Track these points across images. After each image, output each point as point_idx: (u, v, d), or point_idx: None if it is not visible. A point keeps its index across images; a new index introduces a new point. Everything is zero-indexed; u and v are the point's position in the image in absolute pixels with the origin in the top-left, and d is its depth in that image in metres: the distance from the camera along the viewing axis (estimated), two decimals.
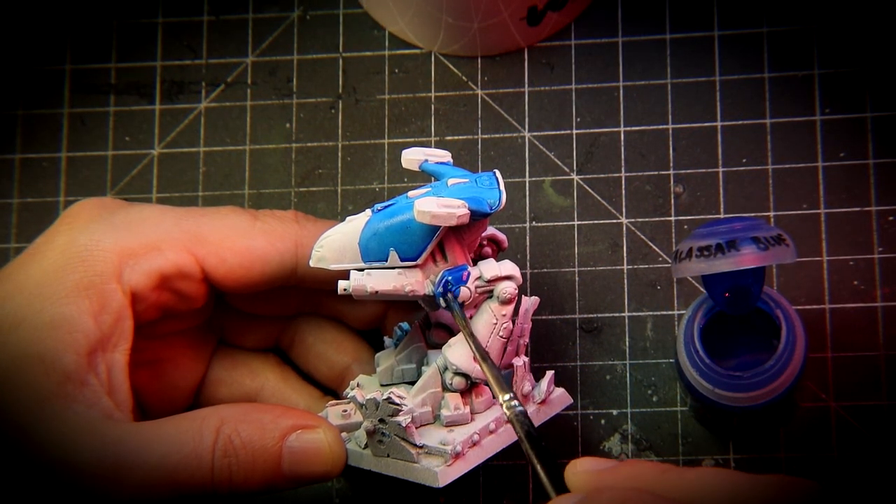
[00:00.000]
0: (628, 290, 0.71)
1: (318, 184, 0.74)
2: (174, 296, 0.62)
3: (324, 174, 0.74)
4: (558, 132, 0.74)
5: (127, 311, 0.60)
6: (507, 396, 0.57)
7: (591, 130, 0.73)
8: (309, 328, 0.68)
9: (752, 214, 0.71)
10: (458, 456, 0.60)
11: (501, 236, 0.64)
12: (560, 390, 0.64)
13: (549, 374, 0.63)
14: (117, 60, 0.77)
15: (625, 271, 0.71)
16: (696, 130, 0.73)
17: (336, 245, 0.60)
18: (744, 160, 0.72)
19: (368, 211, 0.61)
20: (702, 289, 0.69)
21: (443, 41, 0.74)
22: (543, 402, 0.63)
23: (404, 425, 0.59)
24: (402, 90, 0.75)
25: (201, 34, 0.77)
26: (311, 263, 0.60)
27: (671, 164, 0.72)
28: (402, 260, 0.60)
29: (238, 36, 0.76)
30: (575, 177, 0.73)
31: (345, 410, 0.63)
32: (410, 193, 0.61)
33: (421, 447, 0.60)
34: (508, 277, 0.60)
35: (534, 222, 0.72)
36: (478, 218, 0.60)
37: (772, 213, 0.71)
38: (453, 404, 0.61)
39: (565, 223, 0.72)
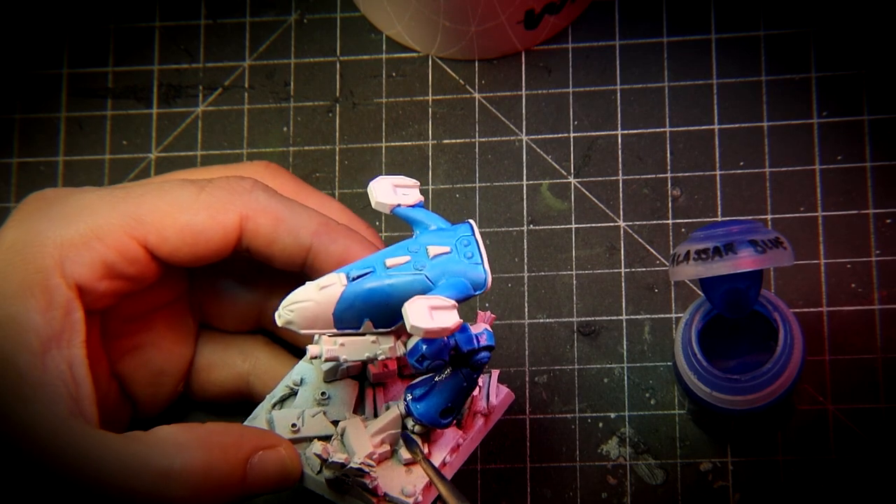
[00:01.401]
0: (626, 293, 0.71)
1: (315, 187, 0.74)
2: (125, 281, 0.61)
3: (321, 178, 0.74)
4: (556, 135, 0.74)
5: (74, 303, 0.59)
6: None
7: (589, 134, 0.73)
8: None
9: (750, 217, 0.71)
10: (411, 496, 0.59)
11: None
12: (505, 389, 0.62)
13: (495, 373, 0.62)
14: (114, 64, 0.77)
15: (622, 274, 0.71)
16: (694, 133, 0.73)
17: (308, 314, 0.57)
18: (741, 163, 0.72)
19: (342, 276, 0.57)
20: (699, 292, 0.69)
21: (440, 45, 0.74)
22: (489, 414, 0.62)
23: (371, 486, 0.58)
24: (399, 94, 0.75)
25: (198, 38, 0.77)
26: (279, 324, 0.58)
27: (668, 168, 0.72)
28: (376, 328, 0.58)
29: (235, 40, 0.76)
30: (572, 180, 0.73)
31: (294, 425, 0.61)
32: (388, 261, 0.57)
33: (382, 496, 0.59)
34: (488, 348, 0.58)
35: (531, 225, 0.72)
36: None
37: (769, 216, 0.71)
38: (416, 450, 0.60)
39: (563, 226, 0.72)
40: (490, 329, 0.58)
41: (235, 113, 0.76)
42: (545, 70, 0.74)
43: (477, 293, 0.57)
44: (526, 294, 0.72)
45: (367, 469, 0.58)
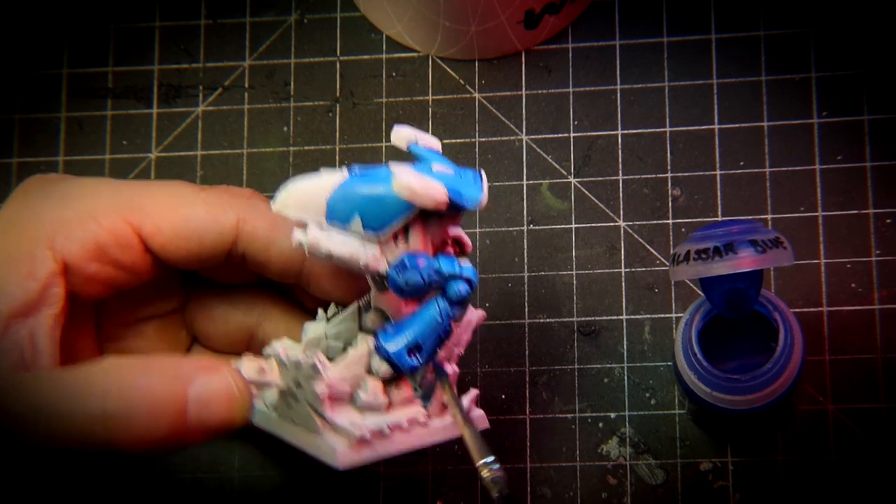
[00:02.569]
0: (626, 293, 0.71)
1: None
2: (116, 269, 0.61)
3: None
4: (556, 135, 0.74)
5: (57, 279, 0.59)
6: (488, 459, 0.56)
7: (589, 133, 0.73)
8: (276, 334, 0.66)
9: (750, 217, 0.71)
10: (363, 442, 0.57)
11: (467, 239, 0.61)
12: (479, 413, 0.61)
13: (473, 392, 0.61)
14: (114, 64, 0.77)
15: (622, 274, 0.71)
16: (694, 133, 0.73)
17: (302, 194, 0.57)
18: (741, 163, 0.72)
19: (346, 171, 0.57)
20: (699, 292, 0.69)
21: (440, 44, 0.74)
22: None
23: (319, 393, 0.57)
24: (399, 93, 0.75)
25: (198, 38, 0.77)
26: (272, 206, 0.58)
27: (668, 168, 0.72)
28: (364, 229, 0.56)
29: (235, 40, 0.76)
30: (572, 180, 0.73)
31: (262, 369, 0.60)
32: (393, 165, 0.57)
33: (328, 421, 0.57)
34: (467, 280, 0.58)
35: (531, 225, 0.73)
36: (453, 211, 0.57)
37: (769, 216, 0.71)
38: (373, 389, 0.58)
39: (563, 226, 0.72)
40: (475, 272, 0.58)
41: (235, 113, 0.76)
42: (545, 70, 0.74)
43: (470, 207, 0.56)
44: (526, 294, 0.72)
45: (320, 367, 0.56)
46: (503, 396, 0.71)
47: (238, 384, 0.58)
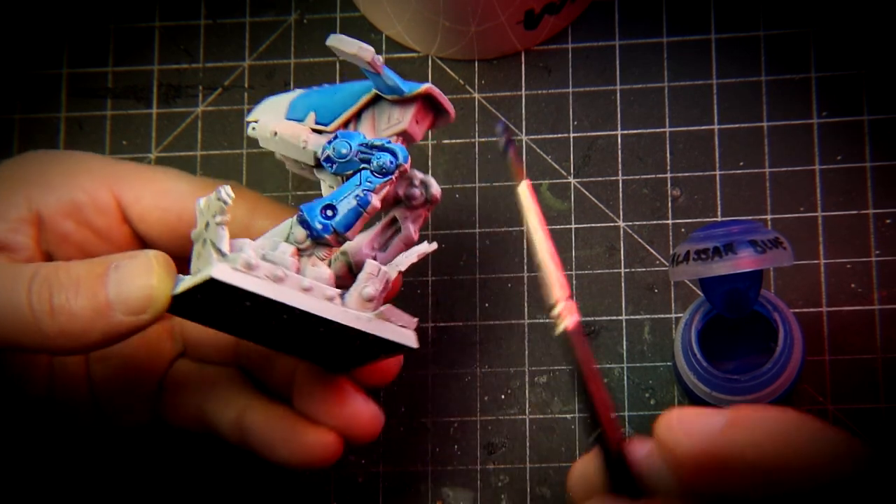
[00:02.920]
0: (626, 293, 0.71)
1: (315, 188, 0.74)
2: (91, 233, 0.61)
3: None
4: (555, 136, 0.74)
5: (25, 226, 0.59)
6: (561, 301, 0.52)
7: (589, 134, 0.73)
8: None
9: (750, 217, 0.71)
10: (249, 268, 0.55)
11: (436, 188, 0.61)
12: (406, 319, 0.59)
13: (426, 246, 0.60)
14: (114, 64, 0.77)
15: (622, 274, 0.71)
16: (694, 133, 0.73)
17: (272, 103, 0.61)
18: (741, 163, 0.72)
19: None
20: (699, 292, 0.69)
21: (440, 45, 0.74)
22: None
23: (220, 223, 0.55)
24: None
25: (198, 38, 0.77)
26: (247, 116, 0.61)
27: (668, 168, 0.72)
28: (317, 123, 0.60)
29: (235, 40, 0.76)
30: (572, 180, 0.73)
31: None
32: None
33: (222, 254, 0.55)
34: (392, 153, 0.58)
35: None
36: (387, 93, 0.59)
37: (769, 216, 0.71)
38: (282, 249, 0.57)
39: (562, 226, 0.72)
40: (406, 151, 0.59)
41: (235, 113, 0.76)
42: (545, 70, 0.74)
43: (406, 93, 0.59)
44: (526, 294, 0.72)
45: (226, 198, 0.55)
46: (503, 396, 0.71)
47: (158, 258, 0.56)
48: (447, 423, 0.71)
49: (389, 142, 0.59)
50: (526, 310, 0.71)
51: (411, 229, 0.61)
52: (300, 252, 0.58)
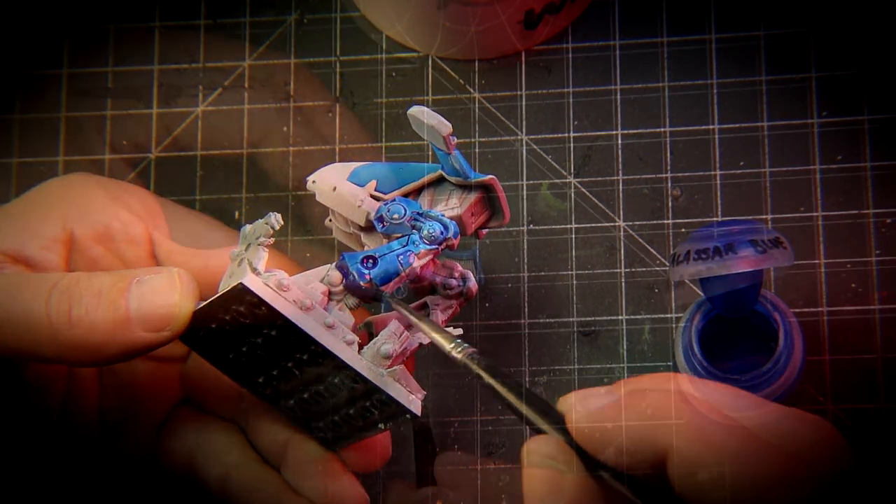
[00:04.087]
0: (625, 293, 0.71)
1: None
2: (119, 261, 0.62)
3: None
4: (555, 136, 0.74)
5: (57, 245, 0.60)
6: (453, 343, 0.55)
7: (588, 134, 0.73)
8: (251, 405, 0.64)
9: (750, 217, 0.71)
10: (280, 288, 0.56)
11: (473, 283, 0.63)
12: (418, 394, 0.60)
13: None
14: (114, 64, 0.77)
15: (622, 275, 0.71)
16: (693, 134, 0.73)
17: (336, 166, 0.64)
18: (741, 164, 0.72)
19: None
20: (699, 292, 0.69)
21: (440, 45, 0.74)
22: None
23: (262, 244, 0.56)
24: (398, 94, 0.75)
25: (198, 38, 0.77)
26: (309, 178, 0.63)
27: (668, 168, 0.72)
28: (377, 191, 0.62)
29: (235, 40, 0.76)
30: (572, 181, 0.73)
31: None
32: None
33: (257, 272, 0.56)
34: (443, 224, 0.60)
35: (531, 226, 0.72)
36: (452, 174, 0.61)
37: (769, 217, 0.71)
38: (314, 287, 0.58)
39: (562, 227, 0.72)
40: (457, 228, 0.61)
41: (235, 113, 0.76)
42: (545, 70, 0.74)
43: (472, 178, 0.61)
44: (526, 295, 0.72)
45: (276, 224, 0.57)
46: None
47: (182, 276, 0.57)
48: (447, 423, 0.71)
49: (443, 216, 0.60)
50: (525, 310, 0.71)
51: (440, 318, 0.62)
52: (331, 295, 0.59)
